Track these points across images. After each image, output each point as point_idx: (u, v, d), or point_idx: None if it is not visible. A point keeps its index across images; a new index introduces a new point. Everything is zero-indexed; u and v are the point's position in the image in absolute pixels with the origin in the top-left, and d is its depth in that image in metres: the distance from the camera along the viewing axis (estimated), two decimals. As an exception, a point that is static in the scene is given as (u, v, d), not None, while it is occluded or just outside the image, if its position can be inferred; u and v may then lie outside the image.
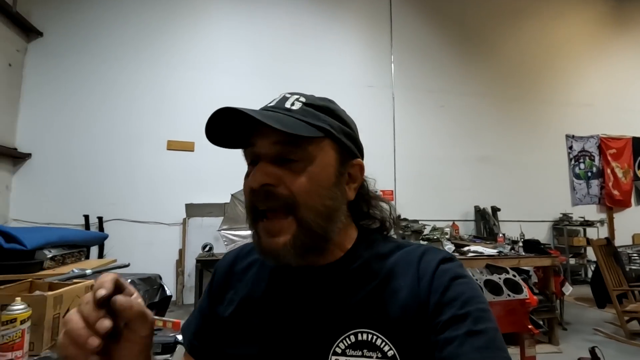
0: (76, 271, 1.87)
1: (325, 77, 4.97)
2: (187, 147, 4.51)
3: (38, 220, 3.97)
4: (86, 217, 4.09)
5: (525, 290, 1.54)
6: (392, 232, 0.64)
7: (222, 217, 3.65)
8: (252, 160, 0.52)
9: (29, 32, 4.17)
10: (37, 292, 1.10)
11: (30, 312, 0.89)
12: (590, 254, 4.73)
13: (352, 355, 0.47)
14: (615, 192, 5.89)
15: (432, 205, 5.12)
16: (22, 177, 4.11)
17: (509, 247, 3.13)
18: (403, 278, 0.51)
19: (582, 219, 5.46)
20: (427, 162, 5.24)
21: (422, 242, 3.00)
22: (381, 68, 5.25)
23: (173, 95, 4.60)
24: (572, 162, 5.91)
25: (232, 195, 2.36)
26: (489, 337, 0.44)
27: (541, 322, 2.82)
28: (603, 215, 5.90)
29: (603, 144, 5.98)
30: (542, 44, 5.98)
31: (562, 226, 5.46)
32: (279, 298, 0.54)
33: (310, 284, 0.53)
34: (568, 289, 3.11)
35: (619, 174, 5.96)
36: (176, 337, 1.18)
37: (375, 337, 0.48)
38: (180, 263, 4.34)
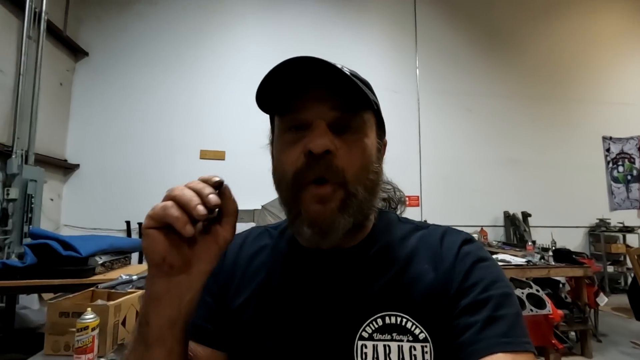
0: (124, 277, 2.06)
1: (350, 84, 5.05)
2: (219, 156, 4.74)
3: (85, 226, 4.32)
4: (128, 223, 4.39)
5: (549, 305, 1.55)
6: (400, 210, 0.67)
7: (252, 223, 3.83)
8: (296, 126, 0.49)
9: (77, 52, 4.54)
10: (100, 301, 1.27)
11: (99, 321, 1.05)
12: (630, 261, 4.51)
13: (380, 340, 0.46)
14: (659, 196, 5.58)
15: (459, 210, 5.08)
16: (72, 186, 4.48)
17: (539, 255, 3.08)
18: (426, 260, 0.50)
19: (621, 225, 5.21)
20: (453, 167, 5.19)
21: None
22: (406, 73, 5.27)
23: (205, 106, 4.84)
24: (610, 164, 5.65)
25: (262, 206, 2.49)
26: (510, 322, 0.43)
27: (572, 334, 2.76)
28: (645, 221, 5.60)
29: (644, 145, 5.68)
30: (574, 41, 5.76)
31: (598, 232, 5.23)
32: (298, 284, 0.52)
33: (332, 268, 0.51)
34: (603, 300, 3.01)
35: (663, 177, 5.63)
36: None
37: (405, 319, 0.46)
38: (213, 266, 4.56)
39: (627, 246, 4.84)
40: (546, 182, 5.35)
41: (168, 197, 0.38)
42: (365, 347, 0.46)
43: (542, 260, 2.99)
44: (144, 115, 4.68)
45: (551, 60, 5.65)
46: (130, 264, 2.93)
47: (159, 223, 0.38)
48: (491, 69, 5.45)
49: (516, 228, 5.01)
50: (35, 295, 2.99)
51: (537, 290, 1.60)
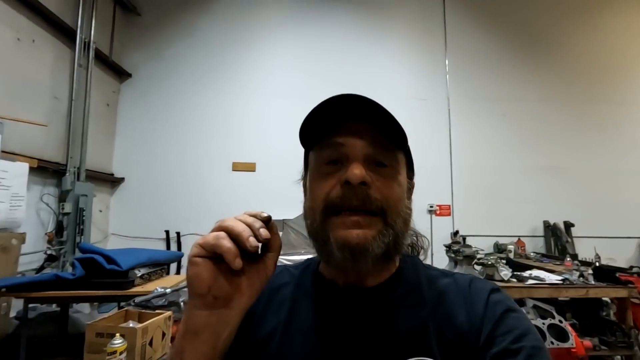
0: (159, 290, 2.22)
1: (377, 94, 4.99)
2: (250, 167, 4.92)
3: (130, 234, 4.68)
4: (167, 232, 4.69)
5: (572, 337, 1.46)
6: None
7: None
8: (334, 160, 0.50)
9: (121, 74, 4.92)
10: (130, 323, 1.41)
11: (126, 345, 1.18)
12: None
13: None
14: None
15: (493, 219, 4.88)
16: (118, 198, 4.87)
17: (577, 273, 2.90)
18: (455, 305, 0.50)
19: (681, 236, 4.74)
20: (487, 175, 5.00)
21: (475, 267, 2.93)
22: (435, 79, 5.16)
23: (237, 120, 5.04)
24: (666, 169, 5.15)
25: (284, 222, 2.57)
26: None
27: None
28: None
29: None
30: (618, 40, 5.32)
31: (654, 243, 4.79)
32: (325, 321, 0.51)
33: (361, 307, 0.50)
34: (653, 322, 2.77)
35: None
36: None
37: None
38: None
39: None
40: (591, 190, 5.00)
41: (219, 228, 0.39)
42: None
43: (581, 278, 2.81)
44: (182, 130, 4.97)
45: (592, 60, 5.27)
46: (168, 274, 3.14)
47: (209, 252, 0.39)
48: (527, 71, 5.19)
49: (557, 239, 4.72)
50: (86, 301, 3.27)
51: (560, 321, 1.52)
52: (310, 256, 0.63)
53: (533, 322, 1.54)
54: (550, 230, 4.83)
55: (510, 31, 5.30)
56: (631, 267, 3.46)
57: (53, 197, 3.64)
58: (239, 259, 0.38)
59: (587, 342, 1.48)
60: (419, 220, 4.72)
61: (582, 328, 2.33)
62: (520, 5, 5.35)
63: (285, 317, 0.53)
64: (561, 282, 2.69)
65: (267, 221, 0.41)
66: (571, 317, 2.30)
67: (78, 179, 3.85)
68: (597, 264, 3.28)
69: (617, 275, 2.77)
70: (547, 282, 2.69)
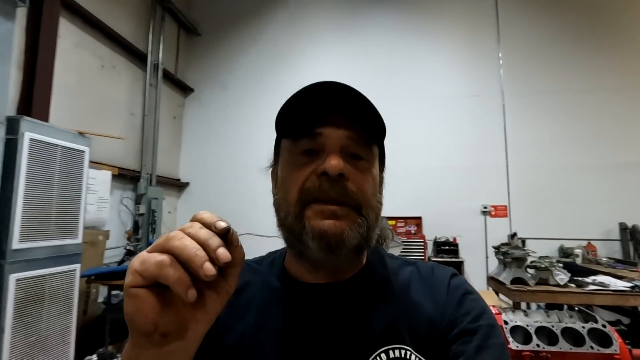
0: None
1: (424, 94, 4.97)
2: (299, 171, 5.16)
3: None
4: (225, 232, 5.10)
5: (618, 343, 1.33)
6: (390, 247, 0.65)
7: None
8: (309, 150, 0.49)
9: (186, 90, 5.48)
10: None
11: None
12: None
13: None
14: None
15: (558, 222, 4.49)
16: (184, 201, 5.41)
17: (651, 280, 2.60)
18: (420, 292, 0.52)
19: None
20: (550, 174, 4.62)
21: (529, 270, 2.76)
22: (487, 74, 4.91)
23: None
24: None
25: None
26: (498, 353, 0.45)
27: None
28: None
29: None
30: None
31: None
32: (297, 320, 0.50)
33: (334, 303, 0.50)
34: None
35: None
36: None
37: (408, 352, 0.46)
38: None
39: None
40: (680, 188, 4.36)
41: (164, 249, 0.31)
42: None
43: (656, 286, 2.51)
44: (240, 138, 5.37)
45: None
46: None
47: (150, 281, 0.31)
48: (594, 59, 4.69)
49: (637, 242, 4.20)
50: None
51: (604, 326, 1.40)
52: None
53: (569, 325, 1.46)
54: (629, 233, 4.31)
55: (571, 15, 4.84)
56: None
57: (131, 200, 4.20)
58: (192, 289, 0.30)
59: (638, 351, 1.35)
60: (472, 222, 4.54)
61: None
62: (586, -14, 4.88)
63: (254, 321, 0.51)
64: (629, 289, 2.44)
65: (226, 233, 0.32)
66: None
67: (150, 184, 4.38)
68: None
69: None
70: (611, 288, 2.46)
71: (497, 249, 2.95)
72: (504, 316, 1.50)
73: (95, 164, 3.36)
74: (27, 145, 2.35)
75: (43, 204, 2.47)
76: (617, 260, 3.91)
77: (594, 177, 4.54)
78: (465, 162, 4.73)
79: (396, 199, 4.80)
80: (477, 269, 4.51)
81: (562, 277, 2.60)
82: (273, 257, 0.59)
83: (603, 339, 1.38)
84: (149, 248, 0.32)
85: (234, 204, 5.22)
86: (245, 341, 0.49)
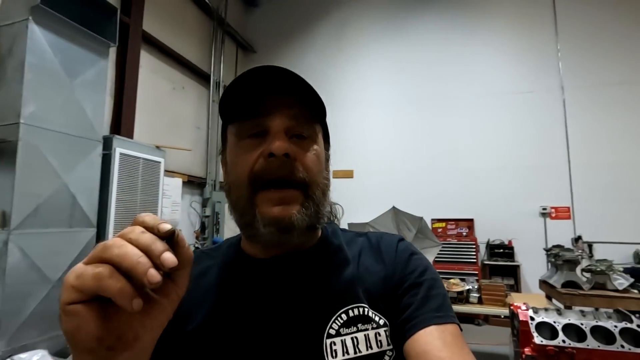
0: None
1: (475, 92, 4.86)
2: (348, 174, 5.35)
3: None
4: (280, 233, 5.47)
5: None
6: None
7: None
8: (255, 133, 0.50)
9: (243, 103, 6.00)
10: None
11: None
12: None
13: (347, 334, 0.48)
14: None
15: (631, 224, 4.09)
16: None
17: None
18: (372, 258, 0.56)
19: None
20: (620, 171, 4.22)
21: (584, 274, 2.64)
22: (544, 69, 4.65)
23: (338, 130, 5.54)
24: None
25: (367, 224, 2.78)
26: (440, 301, 0.50)
27: None
28: None
29: None
30: None
31: None
32: (257, 295, 0.51)
33: (289, 271, 0.53)
34: None
35: None
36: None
37: (366, 309, 0.50)
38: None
39: None
40: None
41: (102, 259, 0.28)
42: (334, 344, 0.47)
43: None
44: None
45: None
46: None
47: (88, 296, 0.28)
48: (673, 43, 4.20)
49: None
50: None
51: (639, 326, 1.33)
52: None
53: (600, 324, 1.42)
54: None
55: (646, -2, 4.39)
56: None
57: (198, 203, 4.75)
58: (137, 299, 0.28)
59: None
60: (529, 224, 4.33)
61: None
62: (663, -38, 4.39)
63: (215, 303, 0.52)
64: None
65: (170, 236, 0.31)
66: None
67: (214, 189, 4.90)
68: None
69: None
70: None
71: (548, 251, 2.86)
72: (530, 312, 1.53)
73: (168, 173, 3.90)
74: (118, 159, 2.89)
75: (129, 206, 2.99)
76: None
77: (676, 174, 4.06)
78: (522, 161, 4.53)
79: (446, 199, 4.77)
80: (535, 274, 4.23)
81: (621, 281, 2.46)
82: (230, 242, 0.61)
83: (637, 339, 1.34)
84: (85, 259, 0.29)
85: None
86: (208, 323, 0.50)
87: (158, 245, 0.29)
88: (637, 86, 4.29)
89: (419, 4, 5.30)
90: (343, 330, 0.48)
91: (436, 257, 4.45)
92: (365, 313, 0.49)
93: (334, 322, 0.48)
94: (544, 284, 2.83)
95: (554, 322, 1.45)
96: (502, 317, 2.85)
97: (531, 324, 1.44)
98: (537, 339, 1.37)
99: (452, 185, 4.80)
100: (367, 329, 0.48)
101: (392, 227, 2.76)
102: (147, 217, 0.32)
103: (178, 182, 4.09)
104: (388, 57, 5.40)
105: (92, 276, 0.28)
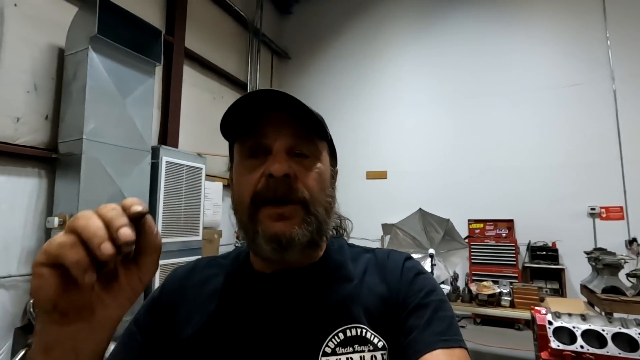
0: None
1: (514, 88, 4.66)
2: (381, 175, 5.37)
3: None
4: (316, 233, 5.62)
5: None
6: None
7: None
8: (257, 152, 0.51)
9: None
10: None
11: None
12: None
13: (342, 353, 0.47)
14: None
15: (698, 225, 3.71)
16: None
17: None
18: (376, 276, 0.55)
19: None
20: (683, 167, 3.84)
21: (629, 279, 2.48)
22: (592, 59, 4.34)
23: (371, 132, 5.59)
24: None
25: (394, 225, 2.80)
26: (447, 324, 0.48)
27: None
28: None
29: None
30: None
31: None
32: (256, 307, 0.52)
33: (289, 287, 0.53)
34: None
35: None
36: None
37: (364, 330, 0.49)
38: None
39: None
40: None
41: (70, 229, 0.31)
42: None
43: None
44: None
45: None
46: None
47: (53, 261, 0.30)
48: None
49: None
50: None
51: None
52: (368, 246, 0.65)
53: (622, 330, 1.35)
54: None
55: None
56: None
57: (238, 205, 5.04)
58: (90, 272, 0.30)
59: None
60: (576, 225, 4.08)
61: None
62: None
63: (214, 310, 0.53)
64: None
65: (140, 217, 0.33)
66: None
67: (252, 192, 5.17)
68: None
69: None
70: None
71: (588, 254, 2.71)
72: (549, 317, 1.50)
73: (210, 177, 4.21)
74: (165, 167, 3.20)
75: (175, 210, 3.29)
76: None
77: None
78: (567, 159, 4.27)
79: (484, 200, 4.64)
80: (583, 278, 4.01)
81: (670, 289, 2.28)
82: (239, 252, 0.62)
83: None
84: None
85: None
86: (204, 330, 0.51)
87: (119, 220, 0.31)
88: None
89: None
90: (339, 350, 0.47)
91: (473, 259, 4.35)
92: (363, 334, 0.48)
93: (330, 340, 0.48)
94: (584, 288, 2.70)
95: (573, 327, 1.42)
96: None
97: (549, 328, 1.42)
98: (554, 344, 1.35)
99: (491, 184, 4.65)
100: (363, 351, 0.47)
101: (420, 229, 2.77)
102: (129, 200, 0.33)
103: (219, 185, 4.40)
104: (422, 55, 5.34)
105: (57, 244, 0.30)
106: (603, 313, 2.41)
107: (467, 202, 4.69)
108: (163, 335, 0.53)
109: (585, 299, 2.79)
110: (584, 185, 4.17)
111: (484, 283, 2.89)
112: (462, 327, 3.87)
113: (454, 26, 5.15)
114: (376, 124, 5.53)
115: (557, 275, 4.00)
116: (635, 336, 1.29)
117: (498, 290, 2.69)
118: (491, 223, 4.56)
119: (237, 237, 4.90)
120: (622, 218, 4.03)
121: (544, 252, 4.14)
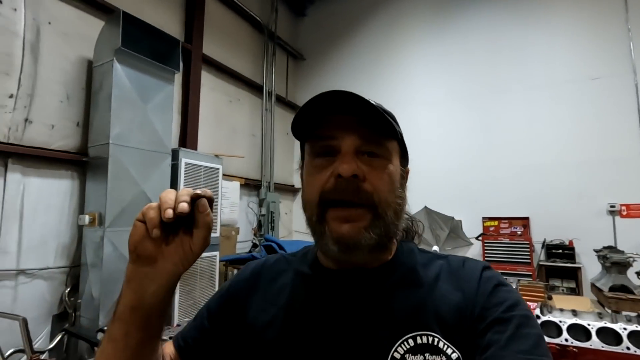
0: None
1: (531, 83, 4.58)
2: (395, 173, 5.41)
3: (307, 232, 5.98)
4: (331, 231, 5.75)
5: None
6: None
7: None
8: (326, 152, 0.52)
9: (294, 108, 6.38)
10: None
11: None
12: None
13: None
14: None
15: None
16: (298, 204, 6.29)
17: None
18: (450, 283, 0.52)
19: None
20: None
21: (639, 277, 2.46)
22: (612, 52, 4.20)
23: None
24: None
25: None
26: (533, 341, 0.44)
27: None
28: None
29: None
30: None
31: None
32: (325, 304, 0.53)
33: (358, 287, 0.52)
34: None
35: None
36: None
37: (437, 339, 0.47)
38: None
39: None
40: None
41: (159, 199, 0.44)
42: None
43: None
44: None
45: None
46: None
47: (142, 218, 0.45)
48: None
49: None
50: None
51: None
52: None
53: (607, 325, 1.38)
54: None
55: None
56: None
57: (255, 203, 5.24)
58: (156, 229, 0.43)
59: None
60: (595, 223, 4.00)
61: None
62: None
63: (284, 304, 0.55)
64: None
65: (196, 198, 0.45)
66: None
67: (269, 190, 5.36)
68: None
69: None
70: None
71: (597, 252, 2.69)
72: (537, 311, 1.54)
73: (227, 177, 4.41)
74: (184, 168, 3.41)
75: (194, 208, 3.50)
76: None
77: None
78: (585, 155, 4.17)
79: (500, 198, 4.60)
80: (602, 277, 3.93)
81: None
82: (307, 250, 0.64)
83: (648, 342, 1.29)
84: None
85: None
86: (275, 321, 0.54)
87: (183, 197, 0.44)
88: None
89: (466, -5, 5.13)
90: (409, 357, 0.46)
91: (487, 256, 4.33)
92: (436, 343, 0.47)
93: (399, 346, 0.47)
94: (593, 287, 2.69)
95: (560, 321, 1.47)
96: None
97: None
98: (540, 337, 1.40)
99: (506, 182, 4.60)
100: None
101: (425, 227, 2.83)
102: (200, 190, 0.47)
103: (236, 185, 4.60)
104: (437, 52, 5.32)
105: (147, 207, 0.45)
106: (610, 311, 2.41)
107: (483, 199, 4.66)
108: (231, 321, 0.59)
109: (595, 298, 2.77)
110: (604, 182, 4.06)
111: (492, 280, 2.91)
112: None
113: (469, 22, 5.11)
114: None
115: (574, 274, 3.93)
116: (620, 330, 1.33)
117: (504, 287, 2.71)
118: (506, 221, 4.52)
119: (255, 234, 5.10)
120: (646, 216, 3.90)
121: (560, 250, 4.07)
